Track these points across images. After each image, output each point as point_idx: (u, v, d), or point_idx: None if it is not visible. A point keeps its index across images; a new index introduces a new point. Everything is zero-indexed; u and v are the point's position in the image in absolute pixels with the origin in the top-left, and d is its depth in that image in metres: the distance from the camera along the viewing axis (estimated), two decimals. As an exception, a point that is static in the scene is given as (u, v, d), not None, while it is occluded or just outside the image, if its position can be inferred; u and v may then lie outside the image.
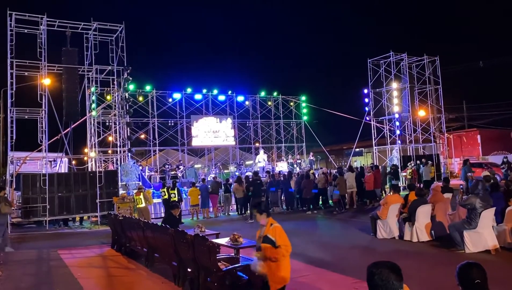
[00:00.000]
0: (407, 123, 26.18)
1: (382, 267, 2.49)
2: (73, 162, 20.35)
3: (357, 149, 32.80)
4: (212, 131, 26.39)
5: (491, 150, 33.13)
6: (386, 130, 26.41)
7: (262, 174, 19.87)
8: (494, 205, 8.77)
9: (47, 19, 17.04)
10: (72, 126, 18.25)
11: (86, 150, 20.95)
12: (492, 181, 11.39)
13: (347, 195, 17.60)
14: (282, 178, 18.72)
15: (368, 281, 2.50)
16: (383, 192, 19.26)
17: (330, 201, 17.87)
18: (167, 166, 23.14)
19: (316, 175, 18.92)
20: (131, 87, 21.43)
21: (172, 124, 25.88)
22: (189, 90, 26.18)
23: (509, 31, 56.97)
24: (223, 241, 8.30)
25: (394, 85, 25.85)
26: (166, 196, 16.16)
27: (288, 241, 4.89)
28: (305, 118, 30.20)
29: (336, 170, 19.89)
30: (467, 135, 36.01)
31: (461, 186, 11.16)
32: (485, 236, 8.36)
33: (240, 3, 72.83)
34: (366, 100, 26.89)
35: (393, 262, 2.54)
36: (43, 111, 16.93)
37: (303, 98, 30.23)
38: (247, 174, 21.02)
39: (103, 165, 20.94)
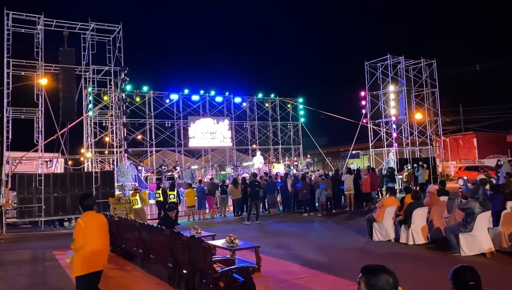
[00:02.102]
0: (403, 126, 26.26)
1: (376, 272, 2.46)
2: (69, 162, 20.25)
3: (354, 152, 32.83)
4: (209, 132, 26.35)
5: (487, 153, 33.26)
6: (383, 132, 26.48)
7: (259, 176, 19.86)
8: (493, 207, 8.76)
9: (44, 19, 17.00)
10: (69, 126, 18.22)
11: (82, 151, 20.90)
12: (489, 184, 11.45)
13: (346, 197, 17.72)
14: (279, 180, 18.74)
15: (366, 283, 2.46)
16: (380, 194, 19.30)
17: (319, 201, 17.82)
18: (163, 167, 23.08)
19: (313, 177, 18.95)
20: (128, 87, 21.36)
21: (169, 125, 25.81)
22: (186, 91, 26.12)
23: (506, 34, 57.31)
24: (219, 242, 8.30)
25: (391, 87, 25.93)
26: (161, 198, 15.98)
27: (78, 236, 5.18)
28: (302, 120, 30.22)
29: (332, 173, 19.95)
30: (464, 138, 36.16)
31: (460, 189, 11.19)
32: (480, 239, 8.37)
33: (238, 4, 72.94)
34: (363, 102, 26.97)
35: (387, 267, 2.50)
36: (40, 111, 16.87)
37: (300, 100, 30.26)
38: (243, 175, 21.00)
39: (99, 165, 20.88)
